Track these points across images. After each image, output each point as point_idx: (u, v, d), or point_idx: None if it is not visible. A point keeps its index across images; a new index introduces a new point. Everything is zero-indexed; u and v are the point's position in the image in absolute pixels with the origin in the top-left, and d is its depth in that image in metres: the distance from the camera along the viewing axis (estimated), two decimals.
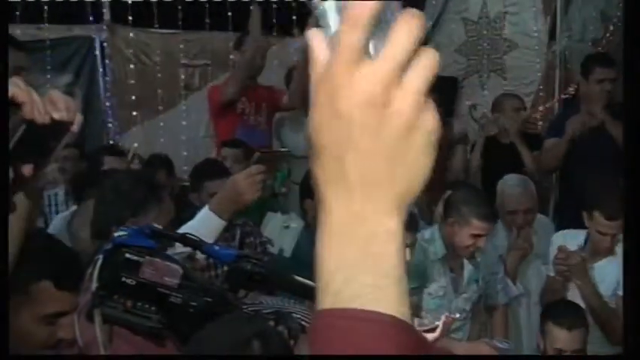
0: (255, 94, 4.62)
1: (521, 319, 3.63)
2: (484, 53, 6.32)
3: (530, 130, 5.51)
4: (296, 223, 3.09)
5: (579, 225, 3.55)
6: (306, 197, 3.42)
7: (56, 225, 3.51)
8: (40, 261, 1.57)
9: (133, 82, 5.76)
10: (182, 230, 2.26)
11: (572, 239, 3.42)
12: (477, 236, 3.10)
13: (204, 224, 2.20)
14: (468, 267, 3.19)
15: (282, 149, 3.84)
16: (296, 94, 4.65)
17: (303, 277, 1.55)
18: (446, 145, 4.73)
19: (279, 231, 3.04)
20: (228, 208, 2.27)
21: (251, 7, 4.55)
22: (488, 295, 3.38)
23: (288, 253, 3.03)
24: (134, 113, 5.78)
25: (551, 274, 3.46)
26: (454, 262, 3.16)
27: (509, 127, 4.72)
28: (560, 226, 3.97)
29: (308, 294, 1.57)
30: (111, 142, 5.59)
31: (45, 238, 1.72)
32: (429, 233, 3.22)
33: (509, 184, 3.77)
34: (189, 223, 2.34)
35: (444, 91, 5.53)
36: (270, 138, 4.80)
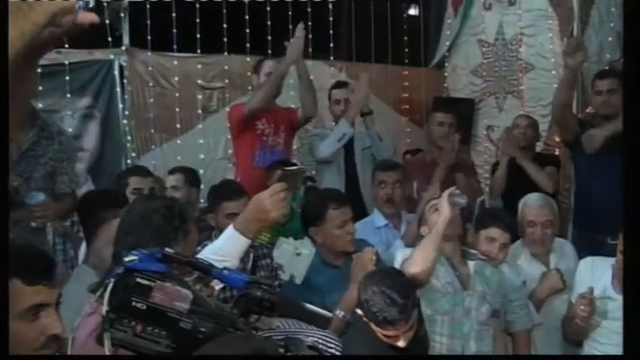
0: (274, 116, 4.64)
1: (543, 344, 3.58)
2: (500, 75, 6.33)
3: (549, 152, 5.51)
4: (308, 250, 3.04)
5: (596, 248, 3.51)
6: (310, 224, 3.39)
7: (83, 249, 3.54)
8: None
9: (151, 104, 5.82)
10: (208, 249, 2.29)
11: (600, 267, 3.36)
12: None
13: (229, 243, 2.24)
14: (470, 263, 3.21)
15: (300, 167, 3.84)
16: (308, 104, 4.67)
17: (313, 304, 1.55)
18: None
19: (290, 257, 3.01)
20: (253, 227, 2.29)
21: (297, 27, 4.56)
22: (511, 321, 3.35)
23: (299, 280, 3.00)
24: (152, 135, 5.84)
25: (573, 300, 3.41)
26: (457, 260, 3.18)
27: (510, 152, 4.77)
28: (579, 250, 3.93)
29: (317, 322, 1.56)
30: (129, 162, 5.66)
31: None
32: None
33: (531, 197, 3.83)
34: (215, 242, 2.35)
35: (460, 113, 5.53)
36: (288, 158, 4.81)
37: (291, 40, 4.60)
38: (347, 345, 2.68)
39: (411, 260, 2.93)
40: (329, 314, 1.57)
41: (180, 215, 2.00)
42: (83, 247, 3.59)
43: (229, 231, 2.29)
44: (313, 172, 6.09)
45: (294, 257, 2.98)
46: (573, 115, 4.60)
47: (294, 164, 4.30)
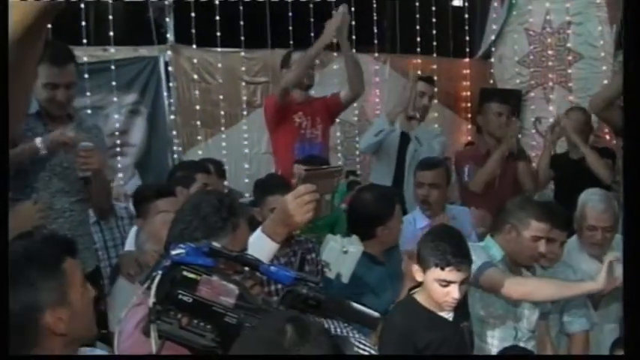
0: (310, 108, 4.57)
1: (600, 343, 3.48)
2: (548, 65, 6.20)
3: (599, 144, 5.37)
4: (355, 248, 2.98)
5: None
6: (378, 224, 3.25)
7: (131, 236, 3.60)
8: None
9: (196, 100, 5.87)
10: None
11: None
12: (537, 239, 3.02)
13: (257, 246, 2.14)
14: (525, 274, 3.12)
15: (332, 166, 3.75)
16: (356, 83, 4.61)
17: (359, 303, 1.52)
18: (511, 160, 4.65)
19: (338, 255, 2.95)
20: (280, 231, 2.21)
21: (334, 11, 4.49)
22: (568, 322, 3.28)
23: (345, 279, 2.94)
24: (197, 130, 5.90)
25: None
26: (513, 272, 3.08)
27: (568, 130, 4.64)
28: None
29: (364, 321, 1.53)
30: (175, 157, 5.73)
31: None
32: (484, 242, 3.16)
33: (593, 198, 3.55)
34: None
35: (508, 104, 5.42)
36: (326, 151, 4.76)
37: (330, 20, 4.50)
38: (390, 323, 2.68)
39: (520, 285, 2.89)
40: (376, 314, 1.52)
41: (230, 208, 1.99)
42: (131, 236, 3.66)
43: (257, 233, 2.23)
44: (357, 167, 6.08)
45: (341, 255, 2.94)
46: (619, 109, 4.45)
47: (324, 161, 4.19)
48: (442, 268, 2.59)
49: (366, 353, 2.25)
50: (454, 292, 2.62)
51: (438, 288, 2.63)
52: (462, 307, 2.75)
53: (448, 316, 2.71)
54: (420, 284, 2.74)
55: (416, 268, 2.70)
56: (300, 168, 4.00)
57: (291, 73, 4.39)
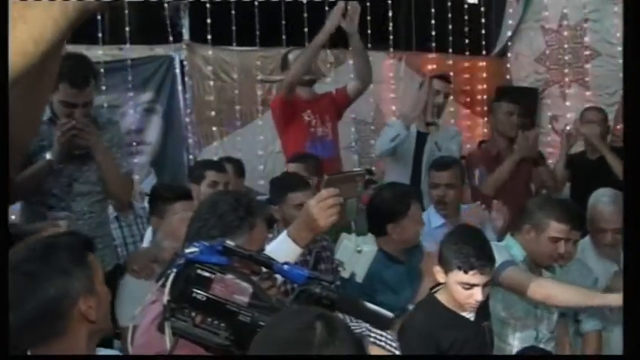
0: (318, 105, 4.54)
1: (612, 343, 3.46)
2: (565, 62, 6.16)
3: (615, 144, 5.32)
4: (369, 247, 2.98)
5: None
6: (389, 221, 3.25)
7: (148, 235, 3.63)
8: None
9: (211, 98, 5.89)
10: None
11: None
12: (556, 240, 3.00)
13: (281, 249, 2.16)
14: (545, 274, 3.10)
15: (354, 170, 3.74)
16: (364, 74, 4.57)
17: (373, 303, 1.51)
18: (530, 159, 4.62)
19: (351, 254, 2.96)
20: (304, 235, 2.22)
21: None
22: (581, 321, 3.26)
23: (360, 279, 2.94)
24: (213, 129, 5.91)
25: None
26: (534, 271, 3.06)
27: (589, 136, 4.61)
28: None
29: (378, 321, 1.53)
30: (191, 156, 5.75)
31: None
32: (504, 242, 3.14)
33: (603, 200, 3.56)
34: (267, 246, 2.33)
35: (524, 102, 5.39)
36: (337, 149, 4.74)
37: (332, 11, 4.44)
38: (411, 322, 2.68)
39: (542, 287, 2.87)
40: (390, 314, 1.51)
41: (247, 207, 2.00)
42: (148, 234, 3.68)
43: (282, 236, 2.26)
44: (373, 168, 6.06)
45: (355, 255, 2.94)
46: None
47: (308, 156, 4.16)
48: (465, 272, 2.58)
49: (385, 344, 2.25)
50: (477, 295, 2.60)
51: (461, 290, 2.62)
52: (483, 307, 2.73)
53: (469, 316, 2.70)
54: (440, 282, 2.73)
55: (437, 270, 2.69)
56: (293, 167, 4.01)
57: (297, 64, 4.36)
